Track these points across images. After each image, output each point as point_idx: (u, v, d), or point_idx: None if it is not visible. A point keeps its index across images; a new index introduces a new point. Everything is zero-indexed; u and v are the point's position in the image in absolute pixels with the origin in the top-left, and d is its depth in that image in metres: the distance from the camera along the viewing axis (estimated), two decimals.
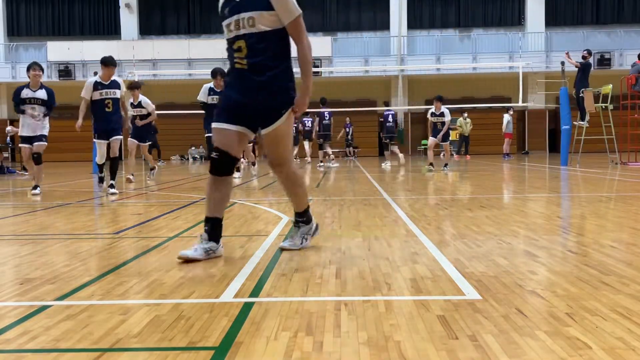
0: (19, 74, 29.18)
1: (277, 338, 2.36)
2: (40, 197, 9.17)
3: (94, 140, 9.68)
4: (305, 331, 2.43)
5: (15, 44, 31.74)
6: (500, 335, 2.34)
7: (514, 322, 2.50)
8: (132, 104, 12.43)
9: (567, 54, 16.06)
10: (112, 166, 9.58)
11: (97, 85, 9.54)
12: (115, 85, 9.63)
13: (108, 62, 9.65)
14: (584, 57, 15.85)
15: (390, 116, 19.36)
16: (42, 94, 9.75)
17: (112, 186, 9.39)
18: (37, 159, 9.81)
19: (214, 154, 3.99)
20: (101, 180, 10.02)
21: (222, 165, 3.98)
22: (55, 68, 29.45)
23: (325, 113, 19.86)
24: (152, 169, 13.41)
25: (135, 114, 12.43)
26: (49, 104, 9.79)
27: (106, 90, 9.52)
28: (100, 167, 10.04)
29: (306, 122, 22.24)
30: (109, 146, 9.69)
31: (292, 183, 4.25)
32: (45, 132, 9.92)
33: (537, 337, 2.31)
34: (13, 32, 32.53)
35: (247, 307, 2.81)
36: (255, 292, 3.10)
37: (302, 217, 4.36)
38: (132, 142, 12.63)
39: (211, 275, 3.51)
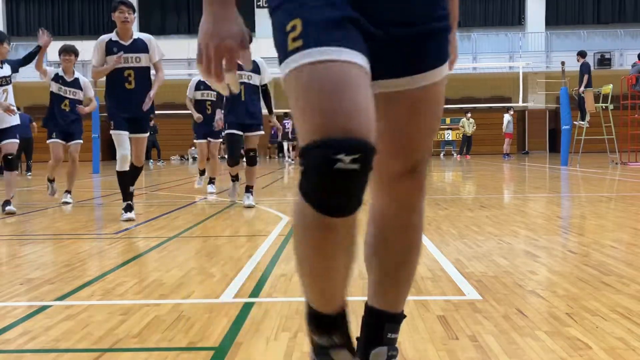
0: (20, 74, 29.18)
1: (277, 338, 2.36)
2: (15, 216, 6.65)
3: (113, 130, 6.08)
4: (305, 331, 2.43)
5: (15, 44, 31.75)
6: (501, 335, 2.34)
7: (514, 322, 2.50)
8: (60, 77, 7.81)
9: (579, 91, 15.77)
10: (133, 175, 6.33)
11: (112, 47, 6.03)
12: (139, 46, 6.07)
13: (125, 3, 6.05)
14: (577, 60, 15.84)
15: None
16: (7, 71, 7.12)
17: (129, 208, 6.11)
18: (10, 162, 6.97)
19: (338, 154, 1.30)
20: (129, 208, 6.15)
21: (355, 180, 1.34)
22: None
23: None
24: (68, 191, 7.96)
25: (64, 95, 7.79)
26: (21, 64, 7.41)
27: (126, 55, 6.01)
28: (124, 178, 6.17)
29: (286, 124, 22.66)
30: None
31: (416, 233, 1.77)
32: (17, 121, 7.07)
33: (538, 337, 2.31)
34: (13, 32, 32.51)
35: (247, 307, 2.81)
36: (255, 292, 3.09)
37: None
38: (55, 142, 7.80)
39: (211, 275, 3.51)
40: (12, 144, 6.98)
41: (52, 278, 3.50)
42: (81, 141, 8.04)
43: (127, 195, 6.16)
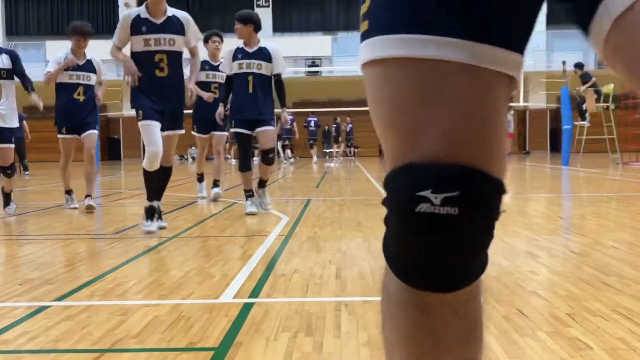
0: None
1: (277, 339, 2.35)
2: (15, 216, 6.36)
3: (141, 121, 5.02)
4: (305, 332, 2.42)
5: (14, 44, 31.76)
6: (501, 335, 2.33)
7: (514, 322, 2.49)
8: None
9: (580, 90, 15.79)
10: (161, 180, 5.32)
11: (139, 25, 5.03)
12: (174, 25, 5.10)
13: None
14: (575, 72, 15.85)
15: (312, 122, 23.22)
16: (5, 61, 6.34)
17: (155, 214, 5.20)
18: (6, 169, 6.45)
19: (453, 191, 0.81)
20: (151, 214, 5.18)
21: (452, 234, 0.84)
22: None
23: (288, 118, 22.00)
24: (88, 195, 6.96)
25: (75, 82, 6.80)
26: (17, 72, 6.43)
27: (157, 36, 5.01)
28: (153, 178, 5.19)
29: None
30: None
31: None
32: (15, 123, 6.40)
33: (538, 337, 2.30)
34: (12, 31, 32.53)
35: (247, 307, 2.80)
36: (255, 293, 3.09)
37: None
38: (66, 138, 6.91)
39: (211, 275, 3.51)
40: (8, 150, 6.39)
41: (51, 278, 3.50)
42: (97, 132, 7.08)
43: (153, 194, 5.24)
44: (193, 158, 29.86)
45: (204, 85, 7.43)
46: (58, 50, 7.14)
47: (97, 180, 12.13)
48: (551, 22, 30.57)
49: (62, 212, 7.05)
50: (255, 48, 6.15)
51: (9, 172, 6.45)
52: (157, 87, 5.03)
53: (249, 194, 6.32)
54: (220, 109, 6.56)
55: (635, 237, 4.68)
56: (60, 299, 3.03)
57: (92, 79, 6.86)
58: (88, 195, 6.90)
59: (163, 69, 5.02)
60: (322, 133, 27.48)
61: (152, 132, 4.99)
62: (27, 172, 15.57)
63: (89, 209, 6.73)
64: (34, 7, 32.59)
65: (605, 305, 2.72)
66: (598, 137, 16.09)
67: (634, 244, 4.35)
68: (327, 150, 27.81)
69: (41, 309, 2.84)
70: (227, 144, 30.48)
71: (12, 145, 6.44)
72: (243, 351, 2.22)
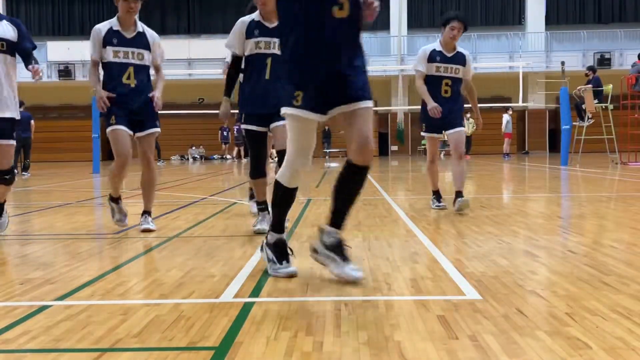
0: (19, 74, 29.10)
1: (277, 338, 2.36)
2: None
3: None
4: (305, 331, 2.43)
5: None
6: (501, 335, 2.34)
7: (514, 322, 2.50)
8: (115, 34, 5.18)
9: (580, 91, 15.84)
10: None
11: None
12: None
13: None
14: (586, 75, 15.93)
15: None
16: (6, 29, 4.77)
17: (285, 253, 3.48)
18: (4, 173, 4.92)
19: None
20: (285, 252, 3.48)
21: None
22: (55, 68, 29.40)
23: None
24: (147, 212, 5.38)
25: (124, 61, 5.10)
26: (21, 48, 4.86)
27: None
28: (290, 199, 3.69)
29: None
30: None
31: None
32: (14, 112, 4.85)
33: (537, 337, 2.31)
34: None
35: (247, 307, 2.81)
36: (255, 292, 3.10)
37: None
38: (118, 130, 5.05)
39: (211, 275, 3.52)
40: (8, 147, 4.85)
41: (52, 278, 3.50)
42: (158, 129, 5.28)
43: (282, 226, 3.55)
44: (194, 158, 29.81)
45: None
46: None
47: (98, 181, 12.10)
48: (550, 22, 30.62)
49: (63, 211, 7.06)
50: (276, 23, 4.44)
51: (7, 177, 4.94)
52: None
53: (261, 207, 5.12)
54: (228, 106, 4.98)
55: (634, 236, 4.68)
56: (61, 298, 3.04)
57: (146, 58, 5.16)
58: (146, 212, 5.33)
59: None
60: (322, 133, 27.47)
61: (309, 127, 3.57)
62: (24, 173, 15.34)
63: (146, 231, 5.19)
64: (35, 7, 32.58)
65: (604, 304, 2.73)
66: (597, 137, 16.11)
67: (632, 244, 4.36)
68: (327, 150, 27.80)
69: (42, 308, 2.85)
70: (227, 145, 30.05)
71: (13, 142, 4.90)
72: (243, 350, 2.23)
